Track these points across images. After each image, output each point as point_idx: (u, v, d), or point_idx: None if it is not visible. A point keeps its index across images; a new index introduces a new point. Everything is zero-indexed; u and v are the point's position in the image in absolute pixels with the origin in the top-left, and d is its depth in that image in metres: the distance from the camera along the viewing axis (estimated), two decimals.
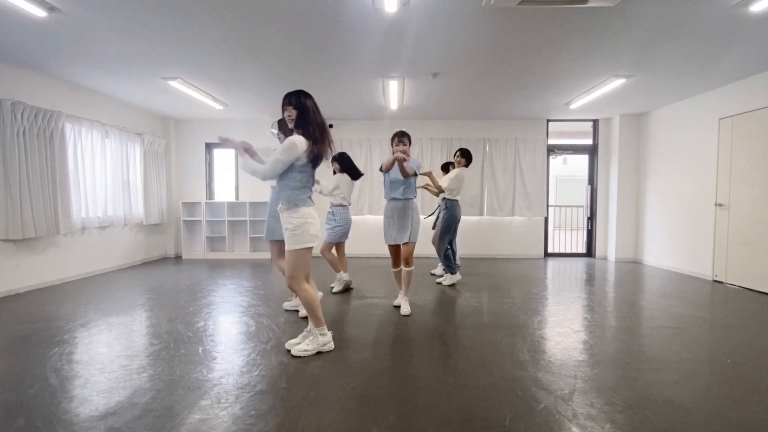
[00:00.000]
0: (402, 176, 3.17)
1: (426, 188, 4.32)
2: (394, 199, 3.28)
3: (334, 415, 1.73)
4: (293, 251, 2.32)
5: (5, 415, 1.73)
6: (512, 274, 5.10)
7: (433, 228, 4.67)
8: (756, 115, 4.15)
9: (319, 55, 3.68)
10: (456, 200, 4.30)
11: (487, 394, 1.93)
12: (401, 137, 3.18)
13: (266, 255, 6.43)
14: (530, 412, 1.75)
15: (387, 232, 3.33)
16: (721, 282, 4.56)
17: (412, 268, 3.34)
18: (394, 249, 3.36)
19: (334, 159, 3.95)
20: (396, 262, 3.39)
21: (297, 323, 3.00)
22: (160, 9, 2.79)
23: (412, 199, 3.31)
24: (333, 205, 3.97)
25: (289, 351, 2.40)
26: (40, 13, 2.77)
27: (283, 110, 2.37)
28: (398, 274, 3.42)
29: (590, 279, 4.88)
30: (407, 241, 3.25)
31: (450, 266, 4.41)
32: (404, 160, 3.08)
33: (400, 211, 3.25)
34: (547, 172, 6.54)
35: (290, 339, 2.53)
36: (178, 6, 2.75)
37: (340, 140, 6.45)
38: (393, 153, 3.13)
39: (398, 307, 3.39)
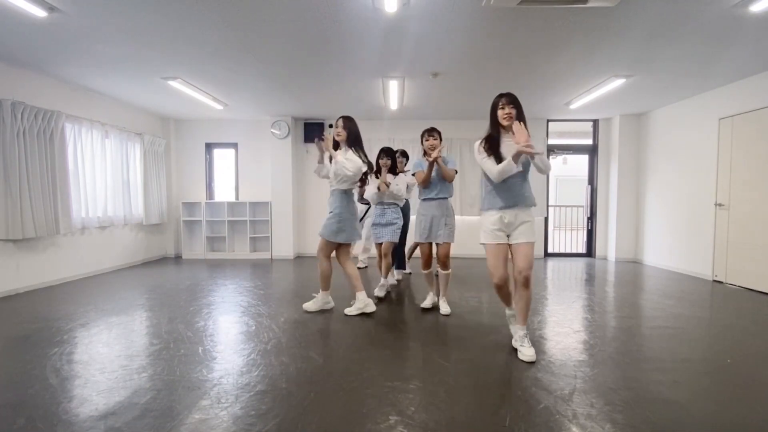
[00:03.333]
0: (447, 180, 3.17)
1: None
2: (428, 199, 3.23)
3: (334, 415, 1.73)
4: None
5: (5, 415, 1.73)
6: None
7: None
8: (756, 115, 4.15)
9: (319, 56, 3.68)
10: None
11: (487, 394, 1.93)
12: (431, 132, 3.21)
13: (266, 255, 6.44)
14: (530, 412, 1.75)
15: (419, 230, 3.26)
16: (721, 282, 4.55)
17: (450, 271, 3.25)
18: (427, 249, 3.29)
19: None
20: (427, 264, 3.33)
21: (297, 323, 3.00)
22: (160, 9, 2.79)
23: (447, 198, 3.23)
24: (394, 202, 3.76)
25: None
26: (40, 13, 2.77)
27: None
28: (429, 276, 3.38)
29: (590, 279, 4.88)
30: (442, 241, 3.18)
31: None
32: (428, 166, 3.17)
33: (436, 210, 3.20)
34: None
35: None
36: (178, 6, 2.75)
37: None
38: (423, 150, 3.22)
39: (426, 309, 3.35)
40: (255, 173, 6.62)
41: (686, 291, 4.15)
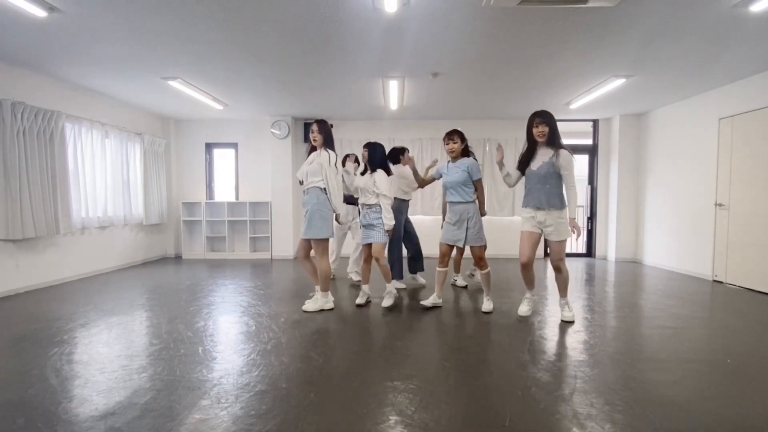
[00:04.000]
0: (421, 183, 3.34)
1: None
2: (452, 203, 3.27)
3: (334, 415, 1.73)
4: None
5: (5, 415, 1.73)
6: (512, 274, 5.09)
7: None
8: (756, 115, 4.15)
9: (319, 56, 3.68)
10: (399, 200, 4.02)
11: (487, 394, 1.93)
12: (450, 135, 3.36)
13: (266, 255, 6.44)
14: (530, 412, 1.75)
15: (444, 232, 3.35)
16: (721, 282, 4.55)
17: (488, 270, 3.32)
18: (446, 248, 3.34)
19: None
20: (443, 262, 3.38)
21: (297, 323, 3.00)
22: (161, 9, 2.79)
23: (470, 201, 3.23)
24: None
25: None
26: (40, 13, 2.77)
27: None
28: (441, 275, 3.41)
29: (590, 279, 4.88)
30: (464, 245, 3.24)
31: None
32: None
33: (460, 214, 3.23)
34: None
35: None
36: (178, 6, 2.75)
37: (340, 140, 6.45)
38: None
39: (429, 308, 3.39)
40: (255, 173, 6.62)
41: (686, 291, 4.15)
